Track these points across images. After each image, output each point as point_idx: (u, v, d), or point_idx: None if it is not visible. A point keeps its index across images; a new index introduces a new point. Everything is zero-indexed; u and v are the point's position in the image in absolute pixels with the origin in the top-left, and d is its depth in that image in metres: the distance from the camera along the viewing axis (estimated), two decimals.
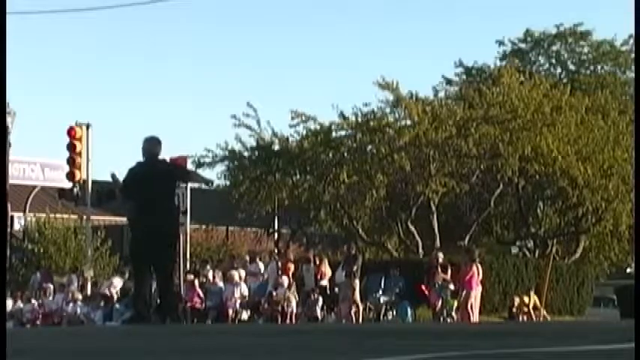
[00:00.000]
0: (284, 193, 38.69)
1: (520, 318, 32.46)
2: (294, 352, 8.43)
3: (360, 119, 38.04)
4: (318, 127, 38.37)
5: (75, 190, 32.33)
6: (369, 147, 38.41)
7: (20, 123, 36.32)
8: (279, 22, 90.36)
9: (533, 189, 41.04)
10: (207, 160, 38.78)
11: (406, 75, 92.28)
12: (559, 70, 57.24)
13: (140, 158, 14.78)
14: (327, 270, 29.03)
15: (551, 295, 35.66)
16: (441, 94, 47.77)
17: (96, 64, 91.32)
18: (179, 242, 24.12)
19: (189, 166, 31.13)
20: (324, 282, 28.94)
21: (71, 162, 31.59)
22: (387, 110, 38.75)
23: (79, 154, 31.46)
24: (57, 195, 42.36)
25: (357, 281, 27.67)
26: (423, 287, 28.38)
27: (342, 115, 38.27)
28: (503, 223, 42.87)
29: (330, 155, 38.11)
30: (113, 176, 14.82)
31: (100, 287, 32.39)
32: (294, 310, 28.80)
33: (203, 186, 17.59)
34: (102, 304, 31.03)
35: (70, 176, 31.81)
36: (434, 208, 38.11)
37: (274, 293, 28.78)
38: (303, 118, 38.22)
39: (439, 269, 27.50)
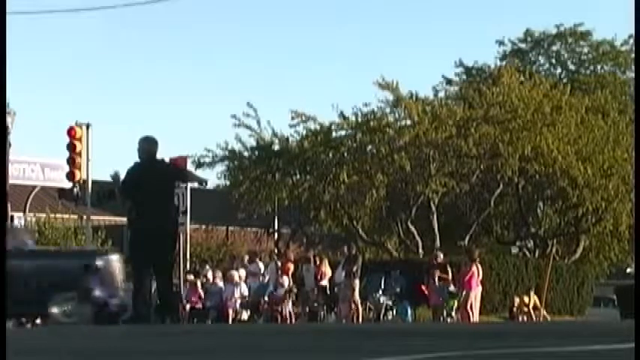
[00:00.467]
0: (284, 193, 38.69)
1: (520, 318, 32.47)
2: (294, 352, 8.43)
3: (360, 119, 38.06)
4: (318, 127, 38.39)
5: (75, 190, 32.29)
6: (369, 147, 38.42)
7: (20, 123, 36.28)
8: (279, 22, 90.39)
9: (533, 189, 41.05)
10: (207, 160, 38.82)
11: (406, 75, 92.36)
12: (559, 70, 57.23)
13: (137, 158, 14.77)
14: (327, 270, 29.02)
15: (551, 295, 35.68)
16: (441, 94, 47.83)
17: (96, 64, 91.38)
18: (179, 242, 24.13)
19: (189, 166, 31.10)
20: (324, 282, 28.92)
21: (71, 162, 31.55)
22: (387, 110, 38.81)
23: (79, 154, 31.43)
24: (57, 195, 42.36)
25: (357, 281, 27.66)
26: (423, 287, 28.40)
27: (342, 115, 38.30)
28: (503, 223, 42.88)
29: (330, 155, 38.11)
30: (115, 176, 14.80)
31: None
32: (294, 310, 28.80)
33: (197, 185, 17.54)
34: None
35: (70, 176, 31.78)
36: (434, 208, 38.12)
37: (274, 293, 28.77)
38: (303, 118, 38.25)
39: (438, 269, 27.52)
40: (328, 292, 28.85)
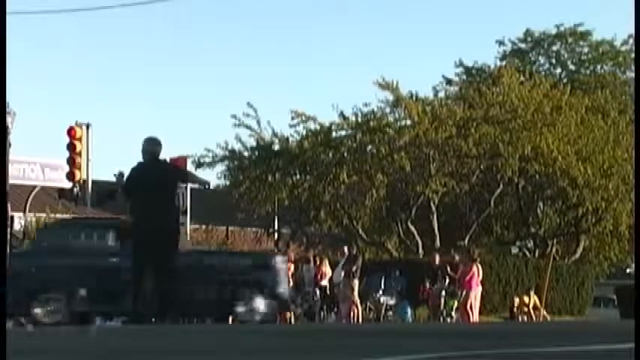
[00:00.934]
0: (284, 193, 38.69)
1: (520, 318, 32.47)
2: (294, 352, 8.43)
3: (360, 119, 38.06)
4: (318, 127, 38.40)
5: (75, 190, 32.31)
6: (369, 147, 38.42)
7: (20, 123, 36.25)
8: (280, 22, 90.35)
9: (533, 189, 41.07)
10: (207, 160, 38.83)
11: (406, 75, 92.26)
12: (559, 70, 57.24)
13: (139, 158, 14.80)
14: (327, 270, 29.01)
15: (551, 295, 35.69)
16: (441, 94, 47.81)
17: (96, 64, 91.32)
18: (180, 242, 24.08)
19: (189, 166, 31.12)
20: (324, 282, 28.91)
21: (71, 162, 31.56)
22: (387, 110, 38.82)
23: (79, 154, 31.44)
24: (57, 195, 42.31)
25: (356, 281, 27.63)
26: (425, 288, 28.43)
27: (342, 115, 38.30)
28: (503, 223, 42.88)
29: (330, 155, 38.11)
30: (119, 176, 14.82)
31: None
32: (294, 310, 28.75)
33: (197, 186, 17.55)
34: None
35: (70, 176, 31.79)
36: (434, 208, 38.12)
37: None
38: (303, 118, 38.25)
39: (448, 269, 27.50)
40: (328, 292, 28.83)
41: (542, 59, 57.59)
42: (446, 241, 36.95)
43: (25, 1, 56.67)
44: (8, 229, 34.47)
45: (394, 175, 37.97)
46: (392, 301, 29.29)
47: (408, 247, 40.14)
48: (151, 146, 14.69)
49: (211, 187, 20.04)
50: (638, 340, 7.26)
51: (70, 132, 31.58)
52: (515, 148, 36.87)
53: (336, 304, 28.40)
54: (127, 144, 78.31)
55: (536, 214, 41.73)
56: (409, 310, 29.07)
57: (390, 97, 38.38)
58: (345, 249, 28.81)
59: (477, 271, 25.85)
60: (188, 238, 31.01)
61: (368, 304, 29.09)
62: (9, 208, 30.35)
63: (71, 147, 31.51)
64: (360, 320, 27.20)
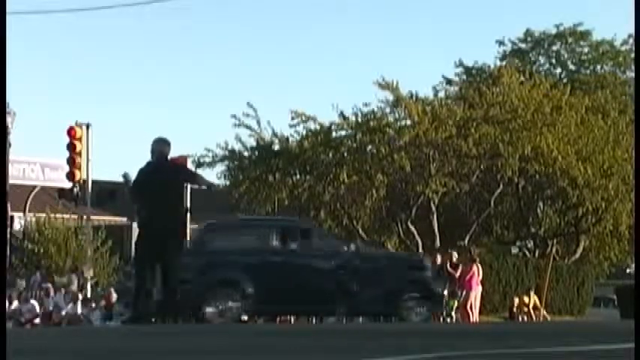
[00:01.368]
0: (284, 193, 38.69)
1: (520, 318, 32.46)
2: (294, 352, 8.43)
3: (360, 119, 38.06)
4: (318, 127, 38.39)
5: (75, 190, 32.32)
6: (369, 147, 38.42)
7: (20, 123, 36.27)
8: (280, 21, 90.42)
9: (533, 189, 41.07)
10: (207, 159, 38.84)
11: (406, 75, 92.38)
12: (559, 70, 57.23)
13: (147, 158, 14.80)
14: None
15: (551, 295, 35.69)
16: (441, 94, 47.78)
17: (96, 64, 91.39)
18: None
19: (190, 166, 31.09)
20: None
21: (71, 162, 31.57)
22: (387, 110, 38.82)
23: (79, 154, 31.44)
24: (57, 195, 42.32)
25: None
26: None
27: (342, 115, 38.29)
28: (503, 223, 42.88)
29: (330, 155, 38.11)
30: (126, 176, 14.83)
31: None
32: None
33: (204, 188, 17.58)
34: (102, 303, 31.00)
35: (70, 176, 31.79)
36: (434, 208, 38.12)
37: None
38: (303, 118, 38.24)
39: (448, 265, 27.50)
40: None
41: (542, 59, 57.60)
42: (446, 241, 36.95)
43: (25, 1, 56.76)
44: (8, 229, 34.52)
45: (394, 175, 37.97)
46: None
47: (408, 247, 40.11)
48: (161, 146, 14.69)
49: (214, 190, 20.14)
50: (638, 340, 7.26)
51: (70, 132, 31.59)
52: (515, 148, 36.87)
53: None
54: (126, 144, 78.46)
55: (536, 214, 41.74)
56: None
57: (390, 97, 38.42)
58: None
59: (477, 271, 25.87)
60: (188, 238, 31.01)
61: None
62: (9, 208, 30.38)
63: (71, 147, 31.52)
64: (360, 320, 27.17)
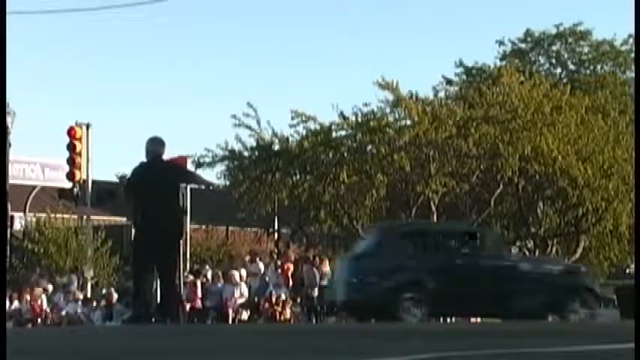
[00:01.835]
0: (284, 193, 38.67)
1: None
2: (294, 352, 8.43)
3: (360, 119, 38.03)
4: (318, 127, 38.36)
5: (75, 190, 32.37)
6: (369, 147, 38.39)
7: (20, 123, 36.27)
8: (280, 21, 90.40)
9: (533, 189, 41.02)
10: (207, 160, 38.76)
11: (406, 75, 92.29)
12: (559, 70, 57.21)
13: (143, 158, 14.78)
14: (327, 270, 29.03)
15: None
16: (441, 94, 47.70)
17: (96, 64, 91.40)
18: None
19: (190, 166, 31.11)
20: (324, 282, 28.93)
21: (71, 162, 31.62)
22: (387, 110, 38.76)
23: (79, 154, 31.49)
24: (57, 195, 42.35)
25: None
26: None
27: (342, 115, 38.25)
28: (503, 223, 42.83)
29: (330, 155, 38.08)
30: (122, 176, 14.89)
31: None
32: (294, 310, 28.80)
33: (203, 187, 17.58)
34: (102, 303, 31.05)
35: (70, 176, 31.84)
36: (434, 208, 38.10)
37: (274, 293, 28.77)
38: (303, 118, 38.21)
39: None
40: None
41: (542, 59, 57.57)
42: None
43: (25, 1, 56.74)
44: (8, 229, 34.54)
45: (394, 175, 37.95)
46: None
47: None
48: (154, 146, 14.67)
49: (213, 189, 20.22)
50: (638, 340, 7.27)
51: (70, 132, 31.64)
52: (515, 148, 36.85)
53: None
54: (126, 144, 78.42)
55: (536, 214, 41.68)
56: None
57: (390, 97, 38.36)
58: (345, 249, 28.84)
59: None
60: (188, 239, 31.05)
61: None
62: (9, 208, 30.40)
63: (71, 147, 31.56)
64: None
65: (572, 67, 57.19)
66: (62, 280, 35.34)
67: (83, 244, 38.48)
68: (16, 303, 32.75)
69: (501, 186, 39.17)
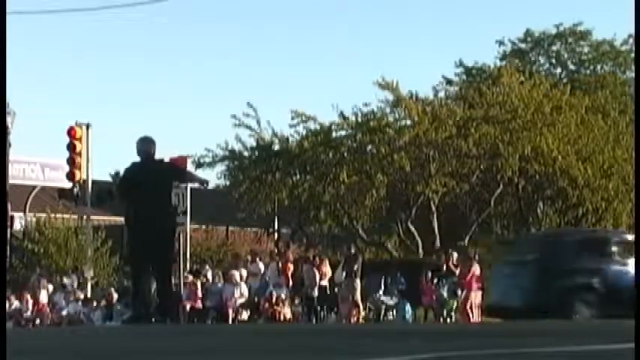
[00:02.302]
0: (284, 193, 38.69)
1: None
2: (294, 352, 8.43)
3: (360, 119, 38.05)
4: (318, 127, 38.38)
5: (75, 190, 32.36)
6: (369, 147, 38.42)
7: (20, 123, 36.28)
8: (280, 21, 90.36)
9: (533, 189, 41.03)
10: (207, 160, 38.81)
11: (406, 75, 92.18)
12: (559, 70, 57.20)
13: (136, 158, 14.79)
14: (327, 270, 29.02)
15: None
16: (441, 94, 47.76)
17: (96, 63, 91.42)
18: (179, 242, 24.15)
19: (189, 166, 31.11)
20: (324, 282, 28.93)
21: (71, 162, 31.60)
22: (387, 110, 38.80)
23: (79, 154, 31.48)
24: (57, 195, 42.34)
25: (358, 281, 27.65)
26: (425, 286, 28.44)
27: (342, 115, 38.29)
28: (503, 223, 42.86)
29: (330, 155, 38.11)
30: (116, 175, 14.87)
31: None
32: (294, 310, 28.80)
33: (197, 185, 17.55)
34: (102, 303, 31.04)
35: (70, 176, 31.83)
36: (434, 208, 38.12)
37: (274, 293, 28.77)
38: (303, 118, 38.24)
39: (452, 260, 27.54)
40: (328, 292, 28.84)
41: (542, 59, 57.55)
42: (446, 241, 36.95)
43: (25, 1, 56.71)
44: (8, 229, 34.55)
45: (394, 175, 37.97)
46: (392, 301, 29.28)
47: (408, 247, 40.13)
48: (145, 145, 14.66)
49: (211, 187, 20.20)
50: (638, 340, 7.27)
51: (70, 132, 31.63)
52: (515, 148, 36.87)
53: (336, 304, 28.42)
54: (126, 144, 78.24)
55: (536, 214, 41.69)
56: (409, 310, 29.06)
57: (390, 97, 38.40)
58: (345, 249, 28.84)
59: (477, 271, 25.87)
60: (188, 239, 31.05)
61: (368, 304, 29.08)
62: (9, 208, 30.40)
63: (71, 147, 31.55)
64: (360, 320, 27.20)
65: (572, 67, 57.18)
66: (62, 280, 35.33)
67: (83, 244, 38.47)
68: (16, 303, 32.74)
69: (501, 186, 39.19)
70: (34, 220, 46.69)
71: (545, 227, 41.77)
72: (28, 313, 32.45)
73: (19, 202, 46.64)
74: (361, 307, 27.80)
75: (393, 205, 39.74)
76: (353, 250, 29.03)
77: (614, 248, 21.74)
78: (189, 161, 32.46)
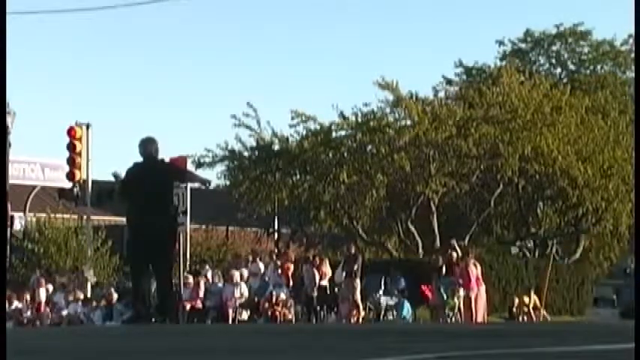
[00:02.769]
0: (284, 193, 38.69)
1: (520, 318, 32.45)
2: (294, 352, 8.43)
3: (360, 119, 38.05)
4: (318, 127, 38.39)
5: (75, 190, 32.38)
6: (369, 147, 38.42)
7: (20, 123, 36.27)
8: (280, 21, 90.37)
9: (533, 189, 41.04)
10: (207, 160, 38.82)
11: (406, 75, 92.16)
12: (559, 70, 57.16)
13: (138, 158, 14.79)
14: (327, 270, 29.02)
15: (551, 295, 35.66)
16: (441, 94, 47.72)
17: (96, 63, 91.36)
18: (179, 242, 24.13)
19: (190, 166, 31.11)
20: (324, 282, 28.93)
21: (71, 162, 31.62)
22: (387, 110, 38.81)
23: (79, 154, 31.50)
24: (57, 195, 42.31)
25: (358, 281, 27.65)
26: (425, 288, 28.39)
27: (342, 115, 38.29)
28: (503, 223, 42.85)
29: (330, 155, 38.11)
30: (116, 175, 14.83)
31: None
32: (294, 310, 28.80)
33: (197, 185, 17.54)
34: (102, 303, 31.03)
35: (70, 176, 31.84)
36: (434, 208, 38.11)
37: (274, 293, 28.77)
38: (303, 118, 38.24)
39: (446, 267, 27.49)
40: (328, 292, 28.84)
41: (542, 59, 57.51)
42: (446, 241, 36.92)
43: (25, 1, 56.73)
44: (8, 229, 34.55)
45: (394, 175, 37.97)
46: (392, 301, 29.28)
47: (408, 247, 40.13)
48: (147, 145, 14.67)
49: (211, 187, 20.17)
50: (638, 340, 7.26)
51: (70, 132, 31.64)
52: (515, 148, 36.87)
53: (336, 304, 28.42)
54: (126, 144, 78.30)
55: (536, 214, 41.70)
56: (409, 310, 29.05)
57: (390, 97, 38.41)
58: (345, 249, 28.82)
59: (477, 271, 25.86)
60: (188, 239, 31.05)
61: (368, 304, 29.08)
62: (9, 208, 30.39)
63: (71, 147, 31.56)
64: (360, 320, 27.19)
65: (572, 67, 57.13)
66: (62, 280, 35.33)
67: (83, 244, 38.46)
68: (16, 303, 32.73)
69: (501, 186, 39.19)
70: (34, 220, 46.66)
71: (545, 227, 41.82)
72: (28, 313, 32.42)
73: (19, 202, 46.63)
74: (361, 307, 27.79)
75: (393, 205, 39.73)
76: (353, 250, 29.02)
77: None
78: (189, 161, 32.48)
